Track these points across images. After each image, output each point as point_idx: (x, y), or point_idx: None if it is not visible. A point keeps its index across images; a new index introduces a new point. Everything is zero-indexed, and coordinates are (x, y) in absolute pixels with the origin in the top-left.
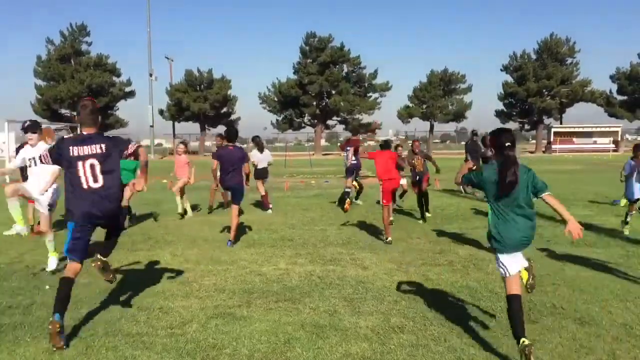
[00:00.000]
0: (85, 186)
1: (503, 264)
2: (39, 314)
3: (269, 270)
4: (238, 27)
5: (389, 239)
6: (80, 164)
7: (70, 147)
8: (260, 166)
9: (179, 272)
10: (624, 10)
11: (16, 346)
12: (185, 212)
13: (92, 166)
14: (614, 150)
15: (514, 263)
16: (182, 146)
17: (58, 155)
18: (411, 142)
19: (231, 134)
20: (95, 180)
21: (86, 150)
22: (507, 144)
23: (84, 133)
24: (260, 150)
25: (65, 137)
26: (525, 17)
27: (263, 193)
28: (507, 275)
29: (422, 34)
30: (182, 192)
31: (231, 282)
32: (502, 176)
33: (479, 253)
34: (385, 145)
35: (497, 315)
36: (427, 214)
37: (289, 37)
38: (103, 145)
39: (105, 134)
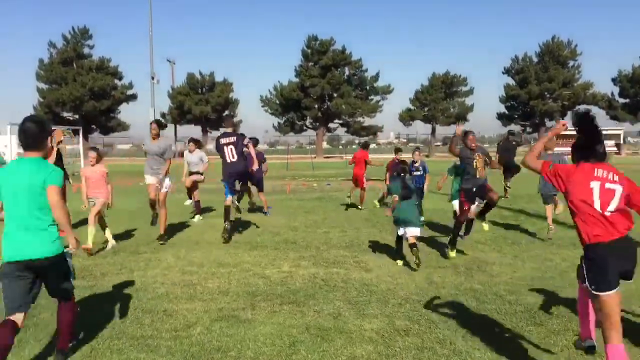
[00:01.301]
0: (228, 160)
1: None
2: (43, 316)
3: (272, 273)
4: (239, 30)
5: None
6: (225, 148)
7: (221, 139)
8: (193, 169)
9: (182, 275)
10: (626, 12)
11: (20, 349)
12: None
13: (231, 149)
14: (617, 153)
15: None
16: (93, 153)
17: (217, 145)
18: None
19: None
20: (233, 157)
21: (227, 140)
22: (402, 174)
23: (227, 131)
24: (191, 151)
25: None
26: (527, 19)
27: (197, 199)
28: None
29: (423, 37)
30: (100, 219)
31: (235, 284)
32: (404, 190)
33: (483, 256)
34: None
35: (503, 318)
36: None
37: (290, 40)
38: (234, 138)
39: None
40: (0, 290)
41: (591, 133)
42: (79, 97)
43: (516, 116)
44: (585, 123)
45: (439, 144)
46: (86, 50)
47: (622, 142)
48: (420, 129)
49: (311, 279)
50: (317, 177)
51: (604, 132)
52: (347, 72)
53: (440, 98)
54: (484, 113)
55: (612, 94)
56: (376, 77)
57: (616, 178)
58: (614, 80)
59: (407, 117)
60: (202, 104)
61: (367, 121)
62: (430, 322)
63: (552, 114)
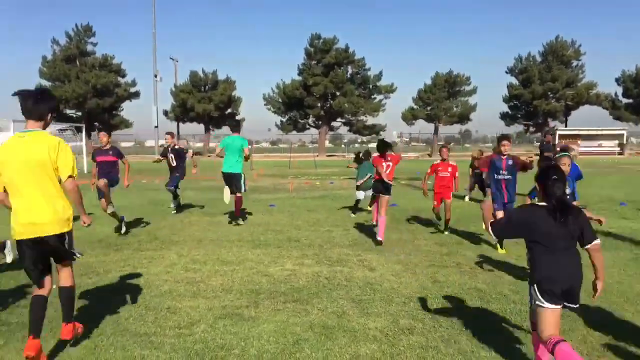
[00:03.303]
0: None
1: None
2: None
3: (275, 271)
4: (243, 28)
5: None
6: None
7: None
8: None
9: (185, 272)
10: (630, 13)
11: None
12: None
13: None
14: (620, 153)
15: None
16: None
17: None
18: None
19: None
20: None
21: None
22: (362, 158)
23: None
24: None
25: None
26: (530, 19)
27: None
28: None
29: (427, 36)
30: None
31: (238, 282)
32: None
33: (487, 255)
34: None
35: (507, 317)
36: None
37: (294, 38)
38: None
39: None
40: None
41: (382, 149)
42: (82, 95)
43: (519, 115)
44: (380, 147)
45: (441, 143)
46: (89, 48)
47: (625, 142)
48: (423, 128)
49: (315, 277)
50: (320, 175)
51: (606, 133)
52: (350, 71)
53: (443, 97)
54: (487, 113)
55: (616, 94)
56: (379, 76)
57: (390, 159)
58: (617, 80)
59: (410, 116)
60: (205, 102)
61: (369, 120)
62: (434, 321)
63: (555, 113)
